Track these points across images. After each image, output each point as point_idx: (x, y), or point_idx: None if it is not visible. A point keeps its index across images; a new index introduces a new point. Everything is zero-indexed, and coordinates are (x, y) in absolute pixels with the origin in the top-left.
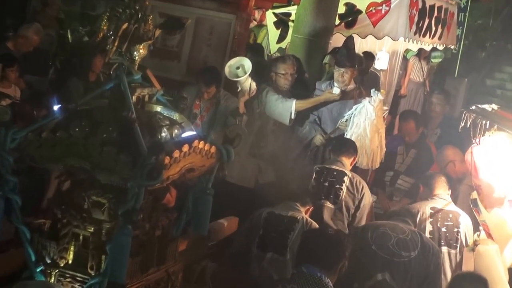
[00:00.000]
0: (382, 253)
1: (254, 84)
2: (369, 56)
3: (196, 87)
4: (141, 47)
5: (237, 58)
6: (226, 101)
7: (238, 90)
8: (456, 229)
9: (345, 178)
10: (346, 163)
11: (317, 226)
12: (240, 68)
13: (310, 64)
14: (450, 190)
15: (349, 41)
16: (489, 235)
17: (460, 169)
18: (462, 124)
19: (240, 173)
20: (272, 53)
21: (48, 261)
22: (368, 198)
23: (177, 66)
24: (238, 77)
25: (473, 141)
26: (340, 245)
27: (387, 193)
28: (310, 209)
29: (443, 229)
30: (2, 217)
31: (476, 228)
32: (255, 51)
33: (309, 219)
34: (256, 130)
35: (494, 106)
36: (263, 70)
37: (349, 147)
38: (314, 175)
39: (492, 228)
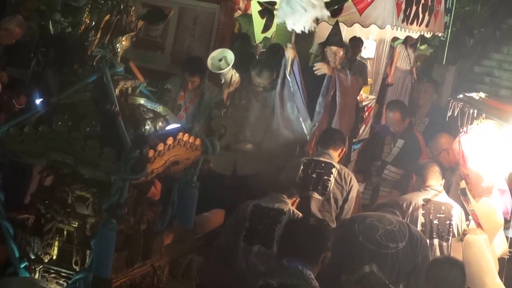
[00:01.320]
0: (370, 245)
1: (237, 75)
2: (357, 41)
3: (181, 78)
4: (123, 39)
5: (219, 50)
6: (211, 93)
7: (222, 82)
8: (448, 222)
9: (333, 170)
10: (334, 155)
11: None
12: (222, 60)
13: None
14: (443, 180)
15: (338, 24)
16: (478, 225)
17: (453, 158)
18: (450, 113)
19: (217, 160)
20: (257, 42)
21: (32, 257)
22: (356, 190)
23: (161, 57)
24: (221, 69)
25: (461, 130)
26: (321, 235)
27: (374, 183)
28: (297, 201)
29: (435, 222)
30: None
31: (465, 218)
32: (243, 40)
33: (296, 211)
34: (238, 122)
35: (482, 95)
36: (251, 59)
37: (336, 139)
38: (301, 167)
39: (481, 217)
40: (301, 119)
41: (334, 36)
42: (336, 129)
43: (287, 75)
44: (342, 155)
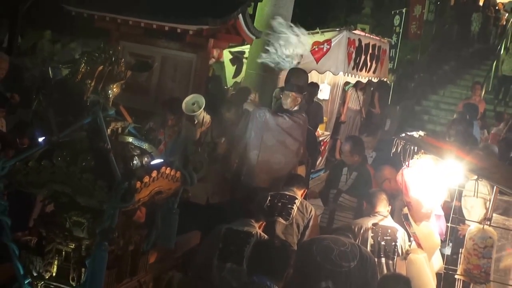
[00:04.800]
0: (326, 264)
1: (208, 117)
2: (314, 85)
3: (162, 117)
4: (114, 86)
5: (192, 95)
6: (187, 130)
7: (195, 122)
8: (393, 243)
9: (296, 201)
10: (298, 193)
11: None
12: (195, 104)
13: (262, 96)
14: (390, 206)
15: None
16: (418, 245)
17: (394, 186)
18: (394, 150)
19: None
20: (229, 86)
21: (35, 274)
22: (315, 220)
23: (146, 99)
24: (194, 112)
25: (404, 164)
26: (285, 255)
27: (330, 208)
28: (263, 225)
29: (383, 243)
30: None
31: (408, 239)
32: (215, 81)
33: (262, 234)
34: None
35: (421, 133)
36: (223, 98)
37: (299, 181)
38: (269, 198)
39: (421, 238)
40: None
41: (287, 82)
42: (299, 175)
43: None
44: (304, 195)
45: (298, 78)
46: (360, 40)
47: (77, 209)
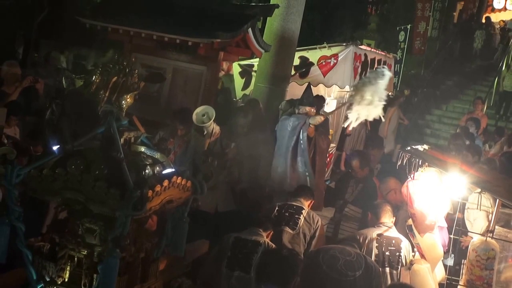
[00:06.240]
0: (332, 273)
1: (217, 128)
2: (320, 98)
3: (171, 127)
4: (128, 96)
5: (202, 107)
6: (196, 141)
7: (205, 133)
8: (398, 253)
9: (303, 211)
10: (305, 203)
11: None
12: (205, 115)
13: (269, 108)
14: (394, 218)
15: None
16: (422, 256)
17: (399, 197)
18: (399, 162)
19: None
20: (238, 98)
21: (47, 279)
22: (321, 230)
23: (157, 109)
24: (204, 123)
25: (409, 176)
26: (292, 263)
27: (336, 218)
28: (271, 234)
29: (387, 253)
30: (8, 242)
31: (412, 250)
32: (225, 94)
33: (270, 243)
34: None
35: (426, 146)
36: (231, 110)
37: (306, 192)
38: (276, 208)
39: (424, 249)
40: (307, 173)
41: (308, 98)
42: (306, 186)
43: (301, 134)
44: (311, 206)
45: (311, 93)
46: (366, 55)
47: (89, 216)
